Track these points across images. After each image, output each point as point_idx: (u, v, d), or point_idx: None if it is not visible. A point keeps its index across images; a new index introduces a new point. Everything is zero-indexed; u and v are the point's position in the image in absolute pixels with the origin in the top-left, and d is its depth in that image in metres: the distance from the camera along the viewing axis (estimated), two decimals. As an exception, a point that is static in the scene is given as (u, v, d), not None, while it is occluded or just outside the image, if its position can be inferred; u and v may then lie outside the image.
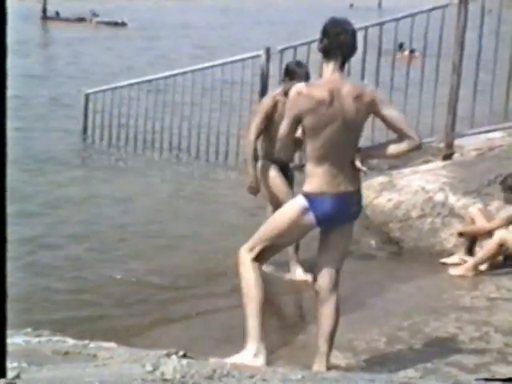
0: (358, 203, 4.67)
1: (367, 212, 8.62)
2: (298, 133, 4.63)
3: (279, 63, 11.46)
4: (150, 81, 13.21)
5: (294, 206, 4.61)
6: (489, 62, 9.85)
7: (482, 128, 9.82)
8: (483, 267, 7.04)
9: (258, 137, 7.05)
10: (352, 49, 4.61)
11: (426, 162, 9.45)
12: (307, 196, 4.53)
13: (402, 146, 4.55)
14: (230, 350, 5.22)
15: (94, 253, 7.84)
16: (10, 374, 3.04)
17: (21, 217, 8.52)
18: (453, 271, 7.07)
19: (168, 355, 3.47)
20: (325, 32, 4.59)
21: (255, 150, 7.07)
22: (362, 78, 10.76)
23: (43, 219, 8.89)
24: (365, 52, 10.57)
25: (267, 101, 7.12)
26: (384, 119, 4.57)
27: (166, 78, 12.95)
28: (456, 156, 9.63)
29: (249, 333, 4.64)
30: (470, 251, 7.31)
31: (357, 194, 4.64)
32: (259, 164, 7.18)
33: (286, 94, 6.91)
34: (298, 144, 4.73)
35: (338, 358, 5.16)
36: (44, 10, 40.94)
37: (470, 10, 9.58)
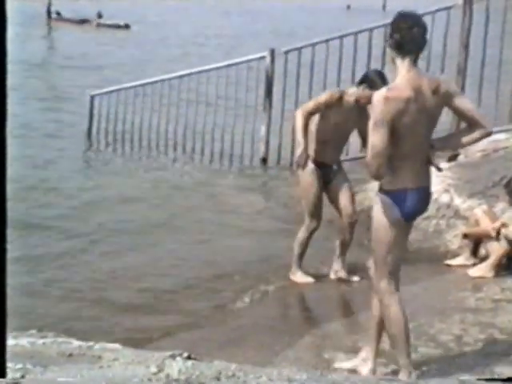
0: (430, 199, 4.70)
1: (371, 213, 8.62)
2: None
3: (284, 64, 11.50)
4: (155, 82, 13.22)
5: (381, 209, 4.56)
6: (494, 64, 9.84)
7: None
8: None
9: (306, 117, 6.84)
10: (424, 43, 4.51)
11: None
12: (390, 193, 4.51)
13: (474, 135, 4.54)
14: (234, 352, 5.24)
15: (99, 254, 7.85)
16: (16, 375, 3.05)
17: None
18: (472, 273, 7.05)
19: (173, 357, 3.48)
20: (395, 27, 4.47)
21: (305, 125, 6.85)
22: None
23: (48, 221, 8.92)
24: (369, 54, 10.58)
25: (335, 92, 6.95)
26: (456, 109, 4.55)
27: (171, 79, 12.97)
28: (461, 157, 9.61)
29: (403, 364, 4.63)
30: (475, 253, 7.30)
31: (429, 190, 4.65)
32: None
33: (357, 101, 6.87)
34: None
35: (342, 359, 5.16)
36: (48, 11, 40.98)
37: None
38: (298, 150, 6.92)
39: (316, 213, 7.09)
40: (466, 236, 7.39)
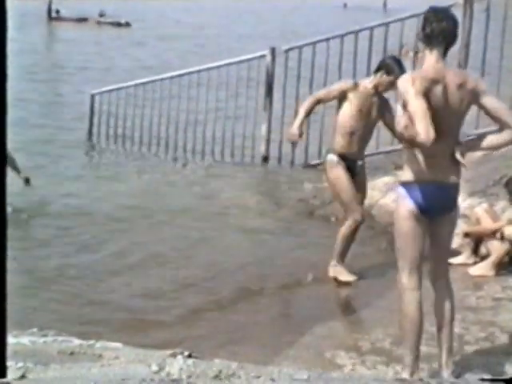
0: (455, 196, 4.66)
1: (373, 212, 8.63)
2: None
3: (284, 63, 11.50)
4: (155, 81, 13.22)
5: (399, 200, 4.60)
6: (494, 62, 9.84)
7: (488, 128, 9.79)
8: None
9: (314, 102, 6.85)
10: (454, 36, 4.56)
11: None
12: (404, 185, 4.54)
13: (504, 136, 4.54)
14: (235, 351, 5.23)
15: (99, 254, 7.85)
16: (17, 374, 3.05)
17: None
18: (473, 272, 7.04)
19: (174, 355, 3.47)
20: (426, 20, 4.54)
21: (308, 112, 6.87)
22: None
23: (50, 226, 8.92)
24: (370, 52, 10.59)
25: (350, 83, 6.91)
26: (484, 108, 4.53)
27: (172, 78, 12.96)
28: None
29: (406, 362, 4.63)
30: (476, 252, 7.30)
31: (455, 187, 4.61)
32: (327, 158, 7.03)
33: (376, 88, 6.84)
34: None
35: (343, 358, 5.16)
36: (49, 10, 41.04)
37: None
38: (294, 125, 6.83)
39: (355, 203, 6.94)
40: (466, 235, 7.38)
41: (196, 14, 44.19)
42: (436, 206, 4.55)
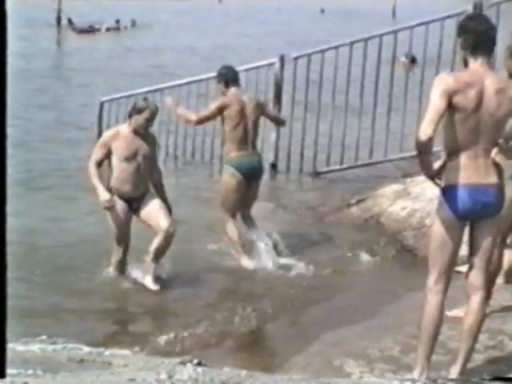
0: (494, 197, 4.54)
1: (381, 220, 8.62)
2: None
3: (293, 71, 11.52)
4: (164, 89, 13.23)
5: (438, 205, 4.61)
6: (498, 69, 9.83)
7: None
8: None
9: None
10: (495, 43, 4.60)
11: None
12: (444, 189, 4.53)
13: None
14: (244, 358, 5.23)
15: (106, 260, 7.85)
16: (26, 380, 3.06)
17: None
18: None
19: (183, 363, 3.48)
20: (468, 29, 4.54)
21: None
22: (376, 86, 10.78)
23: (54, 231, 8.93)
24: (379, 60, 10.61)
25: None
26: None
27: (180, 85, 12.97)
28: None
29: (418, 358, 4.74)
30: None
31: (496, 190, 4.53)
32: None
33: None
34: None
35: (351, 365, 5.15)
36: (58, 18, 41.10)
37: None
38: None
39: None
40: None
41: (192, 17, 44.04)
42: (475, 210, 4.50)
